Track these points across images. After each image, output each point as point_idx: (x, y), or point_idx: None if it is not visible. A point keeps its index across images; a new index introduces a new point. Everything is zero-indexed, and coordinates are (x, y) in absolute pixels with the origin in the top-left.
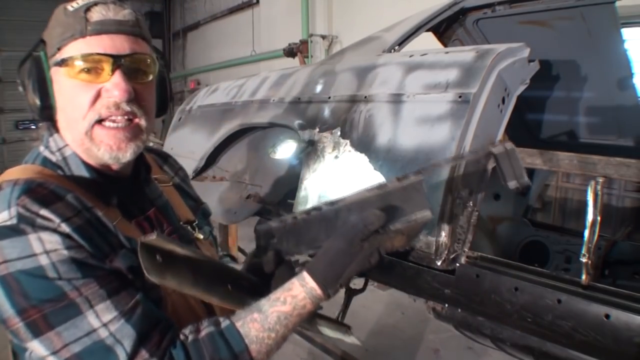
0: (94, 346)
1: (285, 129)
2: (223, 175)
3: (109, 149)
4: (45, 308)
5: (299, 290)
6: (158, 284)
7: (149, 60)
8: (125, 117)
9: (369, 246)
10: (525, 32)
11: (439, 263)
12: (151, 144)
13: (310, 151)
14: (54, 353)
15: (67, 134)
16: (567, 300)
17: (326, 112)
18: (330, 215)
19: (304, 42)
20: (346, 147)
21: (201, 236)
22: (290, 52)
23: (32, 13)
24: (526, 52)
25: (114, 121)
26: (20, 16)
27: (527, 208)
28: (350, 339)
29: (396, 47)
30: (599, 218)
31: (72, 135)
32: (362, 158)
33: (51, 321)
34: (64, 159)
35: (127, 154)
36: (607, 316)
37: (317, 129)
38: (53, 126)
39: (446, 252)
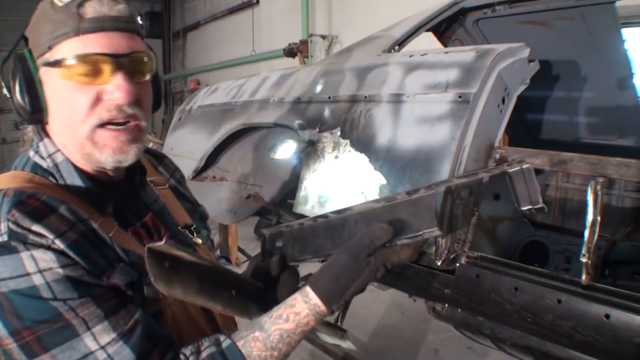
0: None
1: (285, 129)
2: (223, 175)
3: (112, 152)
4: (40, 330)
5: (302, 307)
6: (160, 296)
7: (146, 59)
8: (127, 119)
9: (375, 261)
10: (525, 32)
11: (439, 263)
12: (151, 144)
13: (310, 151)
14: None
15: (61, 138)
16: (567, 300)
17: (326, 112)
18: (337, 224)
19: (304, 42)
20: (346, 147)
21: (200, 241)
22: (290, 52)
23: (31, 13)
24: (526, 52)
25: (115, 123)
26: (18, 16)
27: None
28: (346, 344)
29: (396, 47)
30: (599, 218)
31: (68, 140)
32: (362, 158)
33: (46, 343)
34: (55, 165)
35: (130, 157)
36: (607, 316)
37: (317, 129)
38: (42, 130)
39: (446, 252)
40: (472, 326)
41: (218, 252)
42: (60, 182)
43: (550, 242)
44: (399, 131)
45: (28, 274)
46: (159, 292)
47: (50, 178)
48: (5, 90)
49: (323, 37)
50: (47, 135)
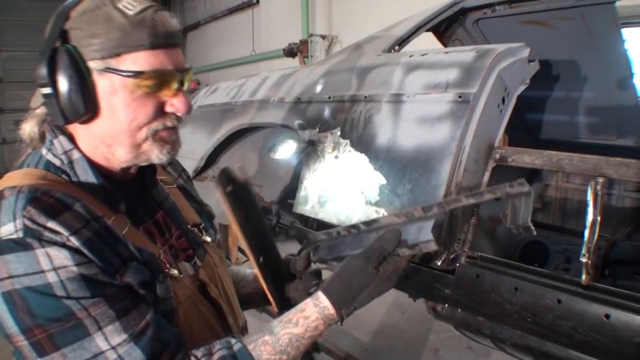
0: None
1: (285, 129)
2: None
3: (168, 150)
4: (52, 328)
5: (311, 311)
6: (171, 294)
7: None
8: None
9: (385, 268)
10: (525, 32)
11: (439, 263)
12: None
13: (310, 151)
14: None
15: (106, 139)
16: (567, 300)
17: (326, 112)
18: (363, 234)
19: (304, 42)
20: (346, 147)
21: (209, 239)
22: (290, 52)
23: (32, 13)
24: (526, 52)
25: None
26: (19, 16)
27: None
28: None
29: (396, 47)
30: (599, 218)
31: (118, 141)
32: (362, 158)
33: (57, 342)
34: (70, 162)
35: (177, 153)
36: (607, 316)
37: (317, 129)
38: (57, 127)
39: (446, 252)
40: (472, 326)
41: None
42: (74, 179)
43: (550, 242)
44: (399, 131)
45: (43, 271)
46: (170, 290)
47: (63, 176)
48: (47, 89)
49: (323, 37)
50: (62, 133)
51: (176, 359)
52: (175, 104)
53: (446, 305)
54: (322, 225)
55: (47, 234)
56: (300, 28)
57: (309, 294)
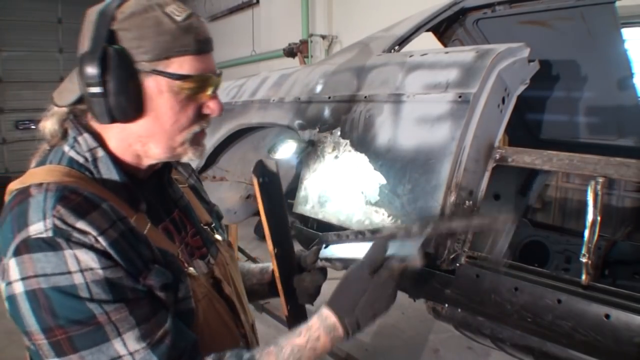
0: None
1: (285, 129)
2: (223, 175)
3: (201, 150)
4: (72, 330)
5: (314, 321)
6: (191, 293)
7: None
8: None
9: (378, 276)
10: (525, 32)
11: (438, 263)
12: None
13: (310, 151)
14: None
15: (145, 139)
16: (567, 300)
17: (326, 112)
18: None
19: (304, 42)
20: (346, 147)
21: (220, 238)
22: (290, 52)
23: (32, 13)
24: (526, 52)
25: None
26: (19, 16)
27: (527, 208)
28: None
29: (396, 47)
30: (599, 218)
31: (157, 142)
32: (362, 158)
33: (76, 344)
34: (94, 160)
35: (202, 155)
36: (607, 316)
37: (317, 129)
38: (81, 125)
39: (446, 252)
40: (472, 326)
41: None
42: (97, 177)
43: (550, 242)
44: (399, 131)
45: (69, 272)
46: (190, 289)
47: (87, 173)
48: (96, 88)
49: (323, 37)
50: (87, 131)
51: None
52: (211, 106)
53: (446, 305)
54: (322, 225)
55: (75, 234)
56: (300, 28)
57: (314, 288)
